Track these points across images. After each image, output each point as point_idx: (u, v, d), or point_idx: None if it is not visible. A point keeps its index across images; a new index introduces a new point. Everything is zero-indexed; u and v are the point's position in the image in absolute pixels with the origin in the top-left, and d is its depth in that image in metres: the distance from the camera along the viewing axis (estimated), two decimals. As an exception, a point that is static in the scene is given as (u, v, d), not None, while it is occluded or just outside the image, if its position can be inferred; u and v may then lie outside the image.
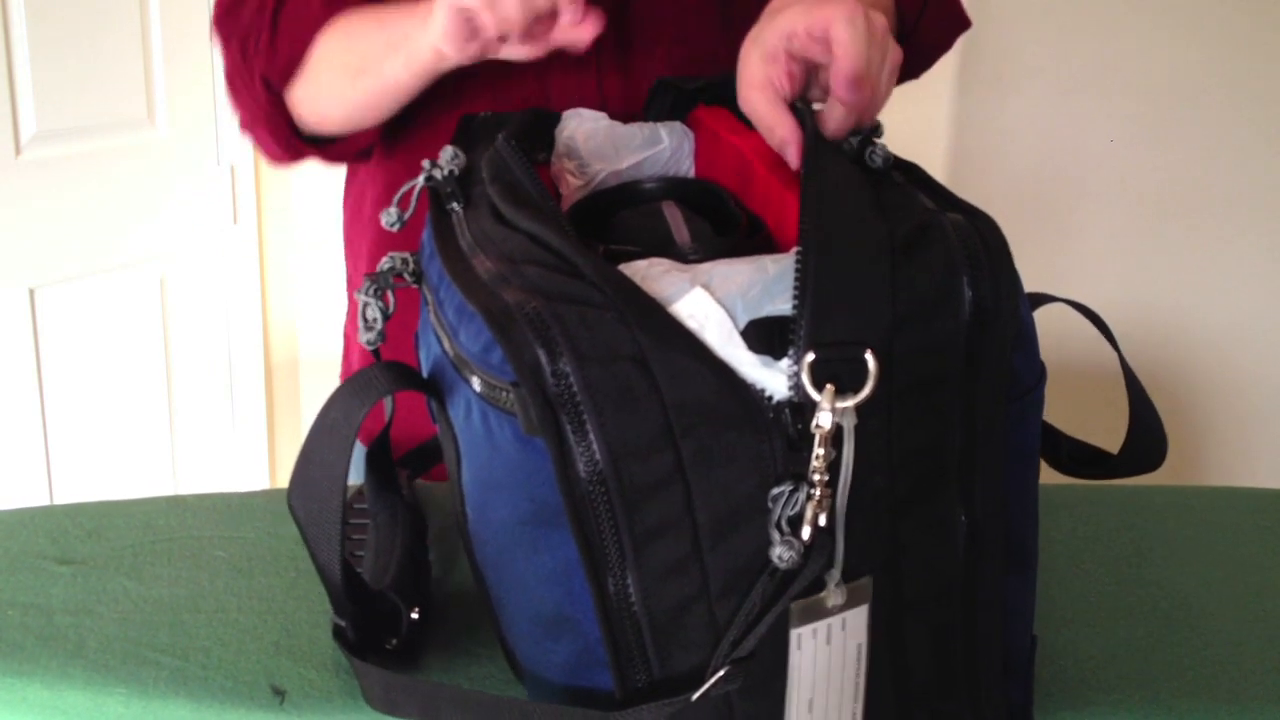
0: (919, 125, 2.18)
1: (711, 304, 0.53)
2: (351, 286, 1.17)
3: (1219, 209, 2.16)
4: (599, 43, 0.96)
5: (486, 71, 0.96)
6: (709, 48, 0.98)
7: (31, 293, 1.92)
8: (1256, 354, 2.22)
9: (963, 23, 1.06)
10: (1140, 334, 2.21)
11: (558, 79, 0.97)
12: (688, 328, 0.53)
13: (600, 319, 0.52)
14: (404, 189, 0.68)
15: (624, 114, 0.88)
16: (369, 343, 0.67)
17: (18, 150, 1.84)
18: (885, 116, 0.76)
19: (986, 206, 0.61)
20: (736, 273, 0.55)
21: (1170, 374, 2.23)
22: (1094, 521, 0.92)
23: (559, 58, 0.96)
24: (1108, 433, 0.73)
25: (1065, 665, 0.73)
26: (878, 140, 0.64)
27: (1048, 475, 0.71)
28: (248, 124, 1.00)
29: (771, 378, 0.52)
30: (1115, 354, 0.71)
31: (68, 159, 1.91)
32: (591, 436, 0.52)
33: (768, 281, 0.54)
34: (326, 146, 0.99)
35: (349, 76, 0.90)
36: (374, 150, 1.04)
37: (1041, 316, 0.65)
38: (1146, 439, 0.70)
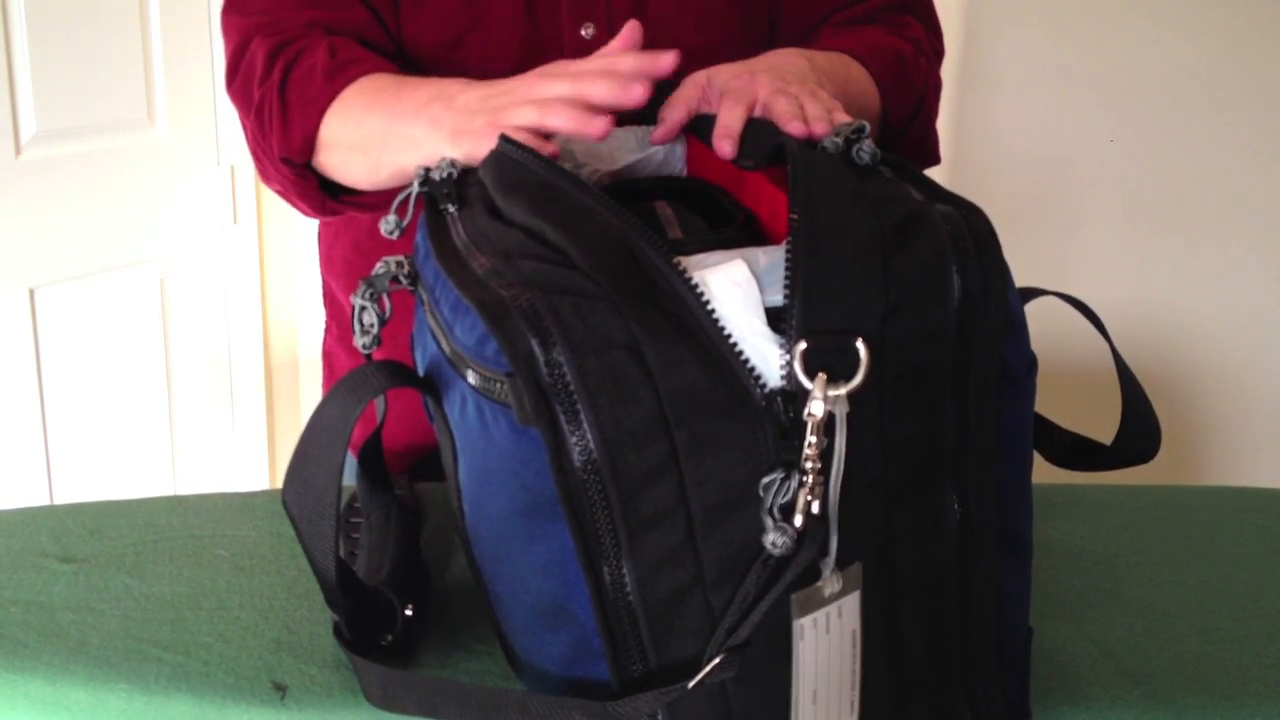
0: (918, 125, 2.17)
1: (748, 275, 0.54)
2: (329, 301, 1.16)
3: (1219, 208, 2.16)
4: (614, 34, 0.96)
5: (504, 57, 0.95)
6: (726, 45, 0.98)
7: (31, 293, 1.92)
8: (1256, 353, 2.22)
9: (932, 157, 1.05)
10: (1140, 333, 2.21)
11: None
12: (694, 307, 0.53)
13: (594, 309, 0.53)
14: (400, 196, 0.68)
15: (636, 112, 0.88)
16: (364, 346, 0.67)
17: (18, 150, 1.84)
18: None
19: (986, 206, 0.61)
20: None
21: (1170, 373, 2.23)
22: (1093, 520, 0.92)
23: (573, 48, 0.96)
24: (1104, 429, 0.73)
25: (1064, 661, 0.73)
26: (864, 138, 0.64)
27: (1045, 470, 0.71)
28: (280, 193, 0.97)
29: (778, 358, 0.53)
30: (1110, 350, 0.71)
31: (68, 159, 1.91)
32: (586, 426, 0.52)
33: (759, 272, 0.54)
34: (363, 197, 0.94)
35: (367, 161, 0.86)
36: None
37: (1038, 313, 0.65)
38: (1140, 429, 0.70)
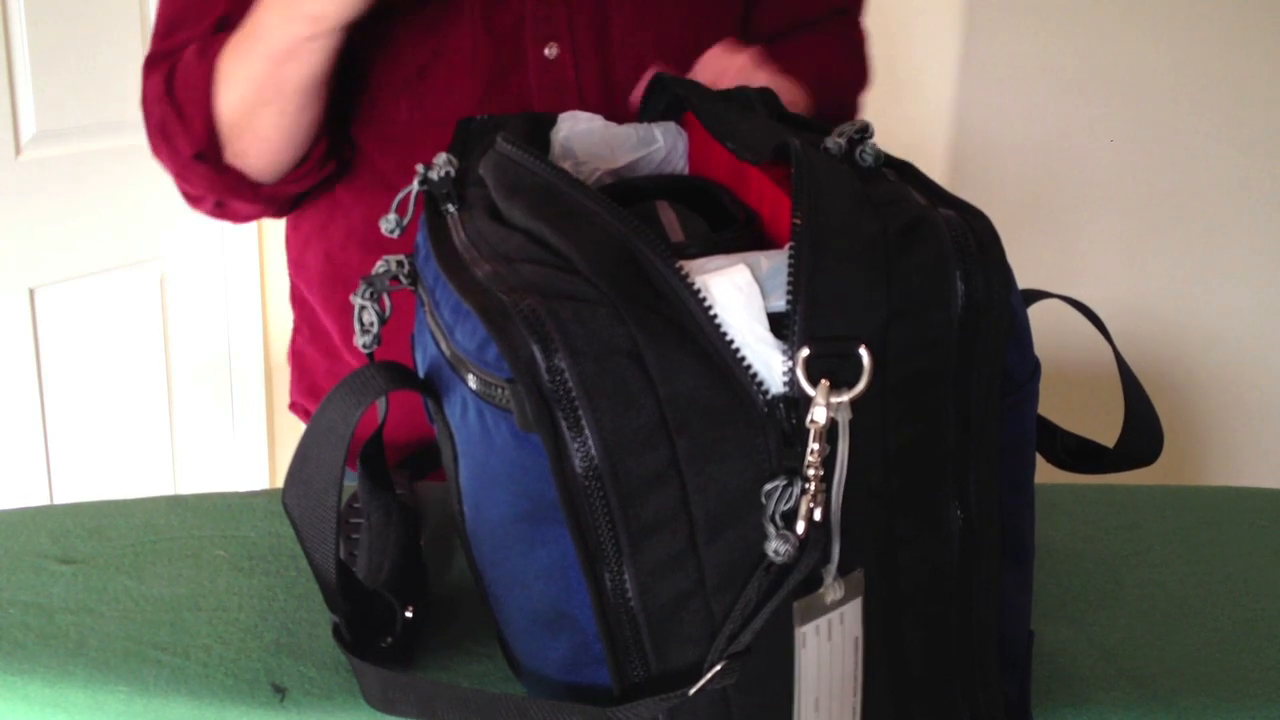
0: (919, 124, 2.18)
1: (751, 280, 0.54)
2: (298, 303, 1.17)
3: (1219, 209, 2.16)
4: (577, 53, 0.97)
5: (469, 84, 0.96)
6: (683, 67, 0.99)
7: (31, 293, 1.92)
8: (1256, 353, 2.22)
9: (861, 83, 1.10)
10: (1140, 334, 2.21)
11: (537, 92, 0.97)
12: (696, 312, 0.53)
13: (595, 314, 0.52)
14: (400, 195, 0.68)
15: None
16: (365, 346, 0.67)
17: (18, 150, 1.84)
18: (887, 115, 0.76)
19: (986, 207, 0.61)
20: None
21: (1170, 373, 2.23)
22: (1093, 521, 0.92)
23: (538, 68, 0.96)
24: (1106, 431, 0.73)
25: (1064, 663, 0.73)
26: (868, 140, 0.64)
27: (1045, 472, 0.71)
28: (221, 210, 1.00)
29: (781, 364, 0.53)
30: (1112, 351, 0.71)
31: (68, 159, 1.91)
32: (587, 432, 0.52)
33: (762, 277, 0.54)
34: (310, 175, 0.98)
35: (260, 95, 0.90)
36: (357, 169, 1.03)
37: (1039, 315, 0.65)
38: (1142, 432, 0.70)
